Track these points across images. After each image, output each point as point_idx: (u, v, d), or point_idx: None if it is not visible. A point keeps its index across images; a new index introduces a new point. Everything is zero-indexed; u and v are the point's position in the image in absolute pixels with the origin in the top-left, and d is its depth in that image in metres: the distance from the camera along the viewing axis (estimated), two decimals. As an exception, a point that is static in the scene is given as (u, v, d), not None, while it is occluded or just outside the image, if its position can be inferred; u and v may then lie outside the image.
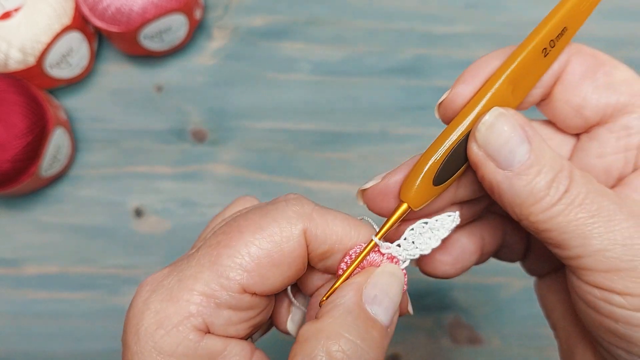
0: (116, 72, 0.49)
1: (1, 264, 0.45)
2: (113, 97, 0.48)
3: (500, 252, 0.29)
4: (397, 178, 0.24)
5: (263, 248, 0.22)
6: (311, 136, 0.47)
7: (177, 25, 0.45)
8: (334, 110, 0.48)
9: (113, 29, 0.44)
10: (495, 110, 0.22)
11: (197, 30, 0.49)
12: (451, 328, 0.44)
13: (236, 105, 0.48)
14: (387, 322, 0.22)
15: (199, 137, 0.47)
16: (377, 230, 0.23)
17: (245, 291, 0.22)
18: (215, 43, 0.50)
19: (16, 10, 0.42)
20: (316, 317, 0.22)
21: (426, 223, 0.24)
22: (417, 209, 0.23)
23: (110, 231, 0.45)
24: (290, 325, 0.26)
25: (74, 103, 0.48)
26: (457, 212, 0.24)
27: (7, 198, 0.46)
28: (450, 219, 0.24)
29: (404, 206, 0.23)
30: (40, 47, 0.43)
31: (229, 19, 0.50)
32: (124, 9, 0.43)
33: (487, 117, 0.22)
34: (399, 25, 0.50)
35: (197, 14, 0.47)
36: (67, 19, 0.43)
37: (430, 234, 0.24)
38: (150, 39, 0.45)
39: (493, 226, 0.28)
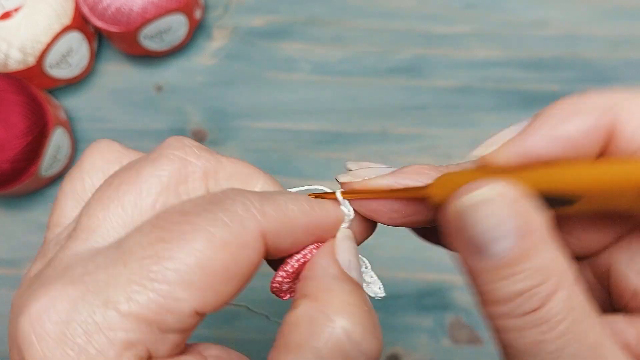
0: (116, 72, 0.49)
1: (1, 264, 0.45)
2: (113, 97, 0.48)
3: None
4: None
5: (216, 259, 0.18)
6: (311, 136, 0.47)
7: (177, 25, 0.46)
8: (334, 110, 0.48)
9: (113, 29, 0.44)
10: (490, 190, 0.17)
11: (197, 30, 0.49)
12: (451, 328, 0.44)
13: (236, 105, 0.48)
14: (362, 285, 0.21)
15: (199, 137, 0.47)
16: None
17: (197, 313, 0.18)
18: (215, 43, 0.50)
19: (16, 10, 0.42)
20: (301, 297, 0.20)
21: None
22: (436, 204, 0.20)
23: (110, 231, 0.45)
24: None
25: (74, 103, 0.48)
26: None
27: (7, 198, 0.46)
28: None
29: (424, 192, 0.20)
30: (40, 47, 0.43)
31: (229, 19, 0.50)
32: (124, 9, 0.43)
33: (478, 192, 0.17)
34: (399, 25, 0.50)
35: (197, 14, 0.47)
36: (67, 19, 0.43)
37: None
38: (150, 39, 0.45)
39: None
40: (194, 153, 0.22)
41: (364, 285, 0.22)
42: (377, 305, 0.23)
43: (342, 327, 0.18)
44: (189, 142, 0.22)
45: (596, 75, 0.48)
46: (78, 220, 0.20)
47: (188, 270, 0.17)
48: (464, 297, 0.44)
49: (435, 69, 0.49)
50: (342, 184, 0.22)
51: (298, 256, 0.21)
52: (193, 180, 0.21)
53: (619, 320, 0.19)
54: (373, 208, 0.22)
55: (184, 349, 0.19)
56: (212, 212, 0.18)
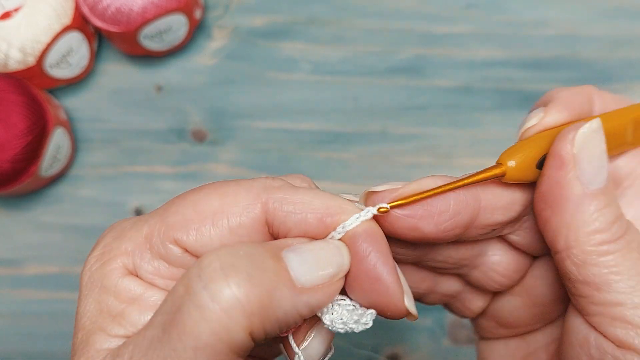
0: (116, 72, 0.49)
1: (1, 264, 0.45)
2: (113, 97, 0.48)
3: (452, 304, 0.27)
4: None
5: (210, 206, 0.20)
6: (311, 136, 0.47)
7: (177, 25, 0.45)
8: (334, 110, 0.48)
9: (113, 29, 0.44)
10: (597, 122, 0.21)
11: (197, 30, 0.49)
12: (451, 328, 0.44)
13: (236, 105, 0.48)
14: (299, 275, 0.19)
15: (199, 137, 0.47)
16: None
17: (176, 242, 0.20)
18: (215, 43, 0.50)
19: (16, 10, 0.42)
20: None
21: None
22: (510, 180, 0.21)
23: (110, 231, 0.45)
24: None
25: (74, 103, 0.48)
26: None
27: (7, 198, 0.46)
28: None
29: (499, 169, 0.21)
30: (40, 47, 0.43)
31: (229, 19, 0.50)
32: (124, 9, 0.43)
33: (594, 123, 0.21)
34: (399, 25, 0.50)
35: (197, 14, 0.47)
36: (67, 19, 0.43)
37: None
38: (150, 39, 0.45)
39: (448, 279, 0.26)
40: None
41: (351, 324, 0.20)
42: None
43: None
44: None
45: (596, 75, 0.48)
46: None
47: (185, 206, 0.21)
48: (464, 297, 0.44)
49: (436, 69, 0.49)
50: (380, 194, 0.21)
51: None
52: None
53: None
54: (420, 214, 0.20)
55: None
56: (239, 180, 0.21)
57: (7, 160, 0.40)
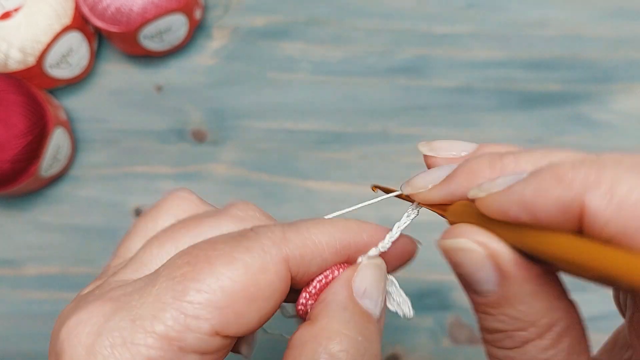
0: (116, 72, 0.49)
1: (1, 264, 0.45)
2: (113, 97, 0.48)
3: None
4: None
5: (237, 281, 0.19)
6: (311, 136, 0.47)
7: (177, 25, 0.45)
8: (334, 110, 0.48)
9: (113, 29, 0.44)
10: (479, 237, 0.18)
11: (197, 30, 0.49)
12: (451, 328, 0.44)
13: (236, 105, 0.48)
14: (378, 314, 0.21)
15: (199, 137, 0.47)
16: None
17: (217, 333, 0.18)
18: (215, 43, 0.50)
19: (16, 10, 0.42)
20: (309, 320, 0.20)
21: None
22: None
23: (110, 231, 0.45)
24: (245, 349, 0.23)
25: (74, 103, 0.48)
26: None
27: (7, 198, 0.46)
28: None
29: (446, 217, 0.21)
30: (40, 47, 0.43)
31: (229, 19, 0.50)
32: (124, 9, 0.43)
33: (463, 241, 0.18)
34: (399, 25, 0.50)
35: (197, 14, 0.47)
36: (67, 19, 0.43)
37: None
38: (150, 39, 0.45)
39: None
40: (254, 217, 0.23)
41: (394, 304, 0.22)
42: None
43: (329, 354, 0.18)
44: (253, 208, 0.24)
45: (596, 75, 0.48)
46: (136, 253, 0.22)
47: (209, 290, 0.18)
48: (464, 297, 0.44)
49: (436, 69, 0.49)
50: (407, 196, 0.22)
51: (320, 276, 0.21)
52: None
53: None
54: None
55: None
56: (237, 241, 0.20)
57: (7, 160, 0.40)
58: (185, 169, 0.47)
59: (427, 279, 0.44)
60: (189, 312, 0.18)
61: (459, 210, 0.19)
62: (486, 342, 0.19)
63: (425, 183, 0.21)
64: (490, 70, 0.48)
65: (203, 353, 0.19)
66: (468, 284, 0.18)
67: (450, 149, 0.21)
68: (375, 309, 0.21)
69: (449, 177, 0.20)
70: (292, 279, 0.20)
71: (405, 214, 0.22)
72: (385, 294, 0.22)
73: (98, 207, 0.46)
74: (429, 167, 0.21)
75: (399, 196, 0.22)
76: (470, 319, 0.44)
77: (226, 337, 0.19)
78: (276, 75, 0.49)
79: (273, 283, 0.19)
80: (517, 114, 0.47)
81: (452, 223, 0.20)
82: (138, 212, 0.46)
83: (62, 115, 0.46)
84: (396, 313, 0.22)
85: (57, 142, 0.43)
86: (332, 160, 0.47)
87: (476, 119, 0.47)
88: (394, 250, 0.22)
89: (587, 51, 0.49)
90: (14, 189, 0.42)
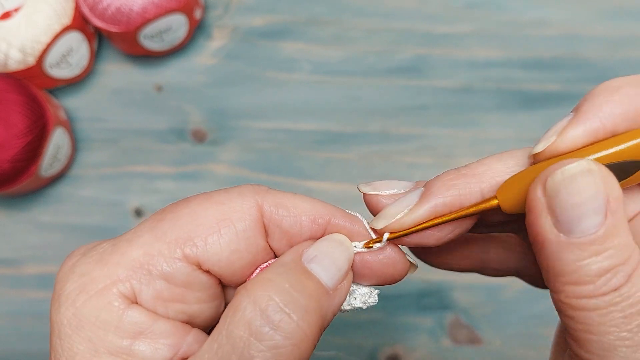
0: (116, 72, 0.49)
1: (1, 264, 0.45)
2: (113, 97, 0.48)
3: (523, 276, 0.27)
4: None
5: (208, 214, 0.20)
6: (311, 136, 0.47)
7: (177, 25, 0.45)
8: (334, 110, 0.48)
9: (113, 28, 0.44)
10: (586, 163, 0.17)
11: (197, 30, 0.49)
12: (451, 328, 0.44)
13: (236, 105, 0.48)
14: (328, 281, 0.20)
15: (199, 137, 0.47)
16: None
17: (185, 258, 0.20)
18: (215, 43, 0.50)
19: (16, 10, 0.42)
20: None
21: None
22: (508, 212, 0.20)
23: (110, 231, 0.45)
24: None
25: (74, 103, 0.48)
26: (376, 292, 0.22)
27: (7, 198, 0.46)
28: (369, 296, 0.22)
29: (494, 202, 0.20)
30: (40, 47, 0.43)
31: (229, 19, 0.50)
32: (124, 9, 0.43)
33: (571, 166, 0.17)
34: (399, 25, 0.50)
35: (197, 13, 0.47)
36: (67, 19, 0.43)
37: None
38: (150, 38, 0.45)
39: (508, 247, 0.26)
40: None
41: (358, 299, 0.22)
42: (377, 305, 0.23)
43: (254, 302, 0.18)
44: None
45: (596, 75, 0.48)
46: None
47: (181, 219, 0.20)
48: (464, 297, 0.44)
49: (436, 69, 0.49)
50: (376, 231, 0.22)
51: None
52: None
53: None
54: (416, 241, 0.21)
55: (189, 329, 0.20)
56: (221, 189, 0.21)
57: (7, 160, 0.40)
58: (185, 168, 0.47)
59: (427, 279, 0.44)
60: (161, 237, 0.20)
61: (509, 191, 0.20)
62: (579, 297, 0.17)
63: (401, 209, 0.21)
64: (490, 70, 0.48)
65: (170, 281, 0.20)
66: (573, 220, 0.17)
67: (391, 187, 0.22)
68: (323, 274, 0.20)
69: (424, 196, 0.21)
70: (269, 236, 0.21)
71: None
72: (347, 272, 0.21)
73: (98, 206, 0.46)
74: (371, 205, 0.22)
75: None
76: (470, 319, 0.44)
77: (197, 268, 0.20)
78: (276, 75, 0.49)
79: (243, 220, 0.20)
80: (517, 113, 0.47)
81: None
82: (138, 212, 0.46)
83: (62, 115, 0.46)
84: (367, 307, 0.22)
85: (57, 141, 0.43)
86: (332, 160, 0.47)
87: (476, 119, 0.47)
88: (378, 258, 0.22)
89: (587, 51, 0.49)
90: (14, 188, 0.42)
